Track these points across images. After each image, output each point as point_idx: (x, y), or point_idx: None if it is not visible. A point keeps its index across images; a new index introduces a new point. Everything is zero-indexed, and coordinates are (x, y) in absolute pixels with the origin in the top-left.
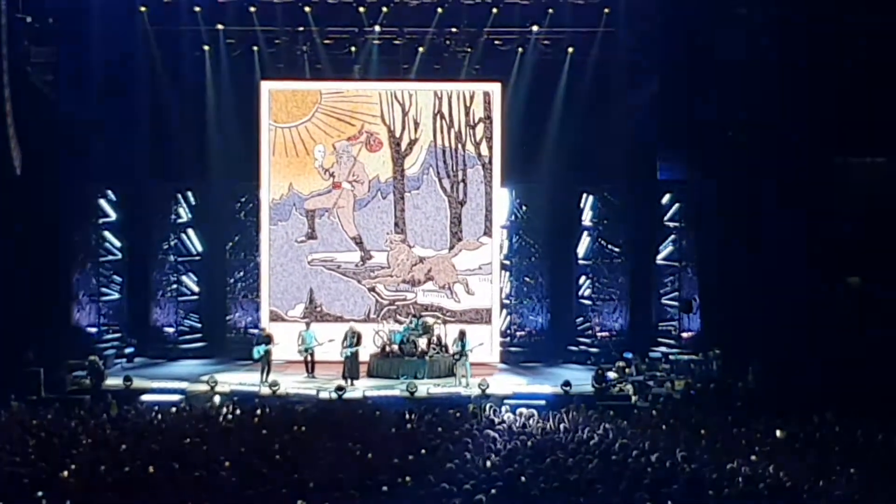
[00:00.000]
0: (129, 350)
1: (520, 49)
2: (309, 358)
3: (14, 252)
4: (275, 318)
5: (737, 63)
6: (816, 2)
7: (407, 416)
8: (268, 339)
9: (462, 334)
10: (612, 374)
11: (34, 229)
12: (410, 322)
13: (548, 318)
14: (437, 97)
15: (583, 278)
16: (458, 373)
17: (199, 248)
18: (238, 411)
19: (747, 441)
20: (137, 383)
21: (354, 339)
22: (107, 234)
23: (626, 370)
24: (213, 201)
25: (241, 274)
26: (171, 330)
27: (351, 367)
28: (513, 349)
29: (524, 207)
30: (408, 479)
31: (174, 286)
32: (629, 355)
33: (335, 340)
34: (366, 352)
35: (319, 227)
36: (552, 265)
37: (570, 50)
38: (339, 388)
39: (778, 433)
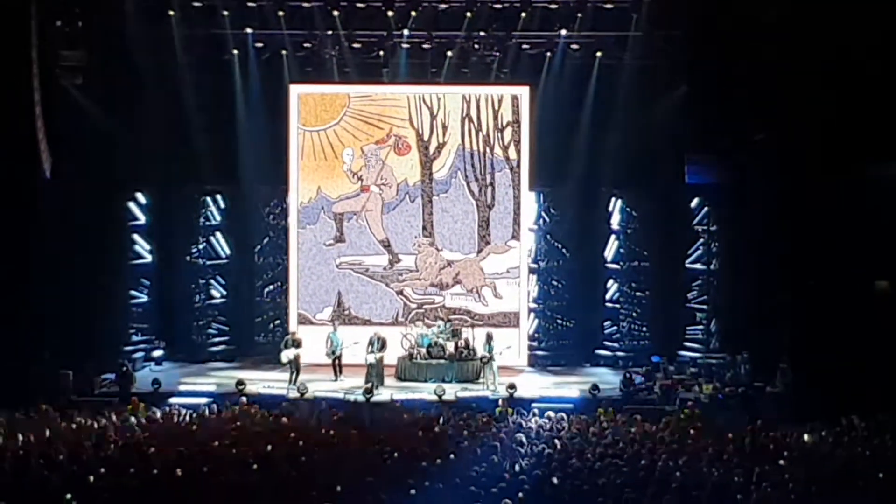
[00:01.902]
0: (157, 353)
1: (548, 53)
2: (337, 361)
3: (43, 256)
4: (303, 321)
5: (766, 66)
6: (846, 4)
7: (435, 419)
8: (296, 343)
9: (489, 337)
10: (639, 378)
11: (63, 232)
12: (438, 325)
13: (575, 322)
14: (465, 101)
15: (610, 282)
16: (486, 376)
17: (228, 252)
18: (266, 414)
19: (775, 445)
20: (166, 386)
21: (379, 344)
22: (136, 237)
23: (655, 374)
24: (241, 205)
25: (270, 277)
26: (199, 333)
27: (376, 373)
28: (540, 352)
29: (552, 211)
30: (435, 482)
31: (203, 289)
32: (657, 359)
33: (360, 343)
34: (392, 356)
35: (348, 231)
36: (580, 269)
37: (599, 54)
38: (367, 392)
39: (806, 437)
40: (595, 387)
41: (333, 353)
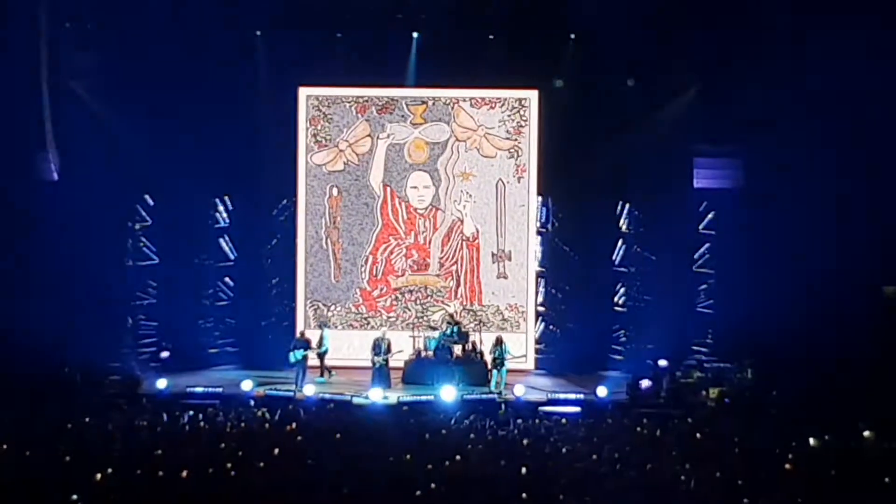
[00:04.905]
0: (164, 355)
1: (558, 56)
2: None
3: (50, 256)
4: (310, 323)
5: (776, 70)
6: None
7: (441, 422)
8: (305, 344)
9: (499, 341)
10: (646, 383)
11: (71, 234)
12: (445, 328)
13: (583, 326)
14: (474, 103)
15: (618, 286)
16: (494, 380)
17: (236, 253)
18: (273, 416)
19: (781, 450)
20: (172, 388)
21: (385, 345)
22: (143, 238)
23: (661, 378)
24: (250, 206)
25: (278, 279)
26: (206, 335)
27: (381, 377)
28: (547, 356)
29: (560, 214)
30: (441, 485)
31: (210, 291)
32: (664, 363)
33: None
34: (399, 358)
35: None
36: (588, 273)
37: (609, 57)
38: (374, 395)
39: (811, 441)
40: (602, 390)
41: (325, 350)
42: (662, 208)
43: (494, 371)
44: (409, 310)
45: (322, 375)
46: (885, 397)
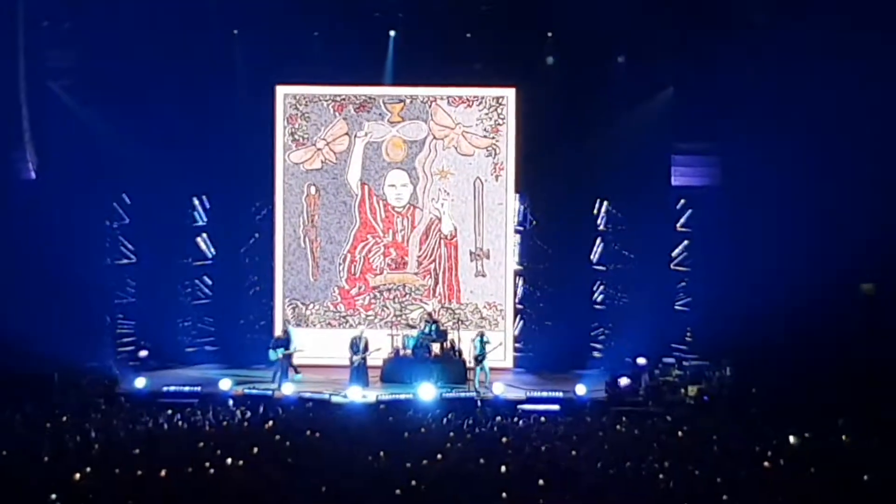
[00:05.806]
0: (142, 353)
1: (536, 54)
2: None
3: (28, 255)
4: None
5: (753, 68)
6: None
7: (420, 420)
8: (285, 343)
9: (480, 335)
10: (624, 381)
11: (48, 233)
12: (424, 326)
13: (561, 324)
14: (451, 101)
15: (597, 284)
16: (474, 377)
17: (214, 252)
18: (252, 415)
19: (760, 448)
20: (151, 387)
21: (362, 344)
22: (121, 237)
23: (640, 376)
24: (228, 205)
25: (256, 278)
26: (185, 334)
27: (359, 375)
28: (526, 354)
29: (538, 213)
30: (421, 483)
31: (189, 290)
32: (643, 361)
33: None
34: (378, 356)
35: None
36: (566, 271)
37: (587, 55)
38: (353, 393)
39: (791, 439)
40: (581, 388)
41: (294, 350)
42: (640, 206)
43: (475, 368)
44: (388, 308)
45: (288, 374)
46: (865, 395)
